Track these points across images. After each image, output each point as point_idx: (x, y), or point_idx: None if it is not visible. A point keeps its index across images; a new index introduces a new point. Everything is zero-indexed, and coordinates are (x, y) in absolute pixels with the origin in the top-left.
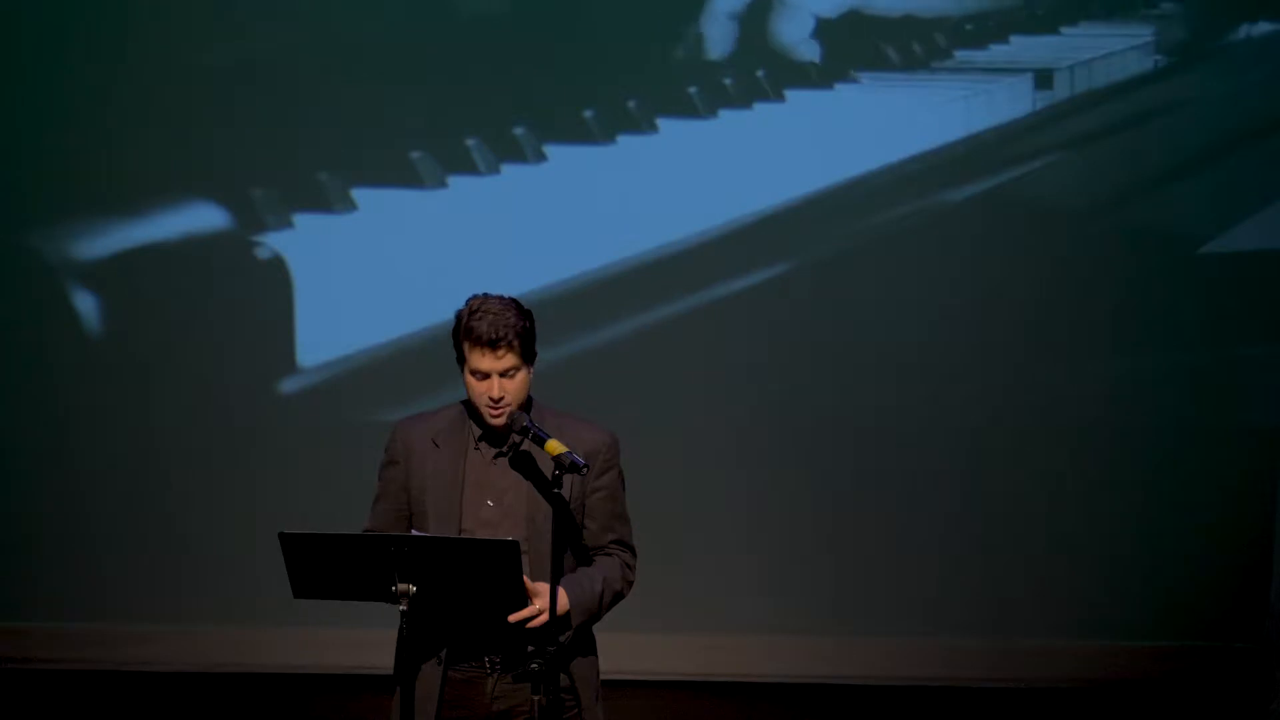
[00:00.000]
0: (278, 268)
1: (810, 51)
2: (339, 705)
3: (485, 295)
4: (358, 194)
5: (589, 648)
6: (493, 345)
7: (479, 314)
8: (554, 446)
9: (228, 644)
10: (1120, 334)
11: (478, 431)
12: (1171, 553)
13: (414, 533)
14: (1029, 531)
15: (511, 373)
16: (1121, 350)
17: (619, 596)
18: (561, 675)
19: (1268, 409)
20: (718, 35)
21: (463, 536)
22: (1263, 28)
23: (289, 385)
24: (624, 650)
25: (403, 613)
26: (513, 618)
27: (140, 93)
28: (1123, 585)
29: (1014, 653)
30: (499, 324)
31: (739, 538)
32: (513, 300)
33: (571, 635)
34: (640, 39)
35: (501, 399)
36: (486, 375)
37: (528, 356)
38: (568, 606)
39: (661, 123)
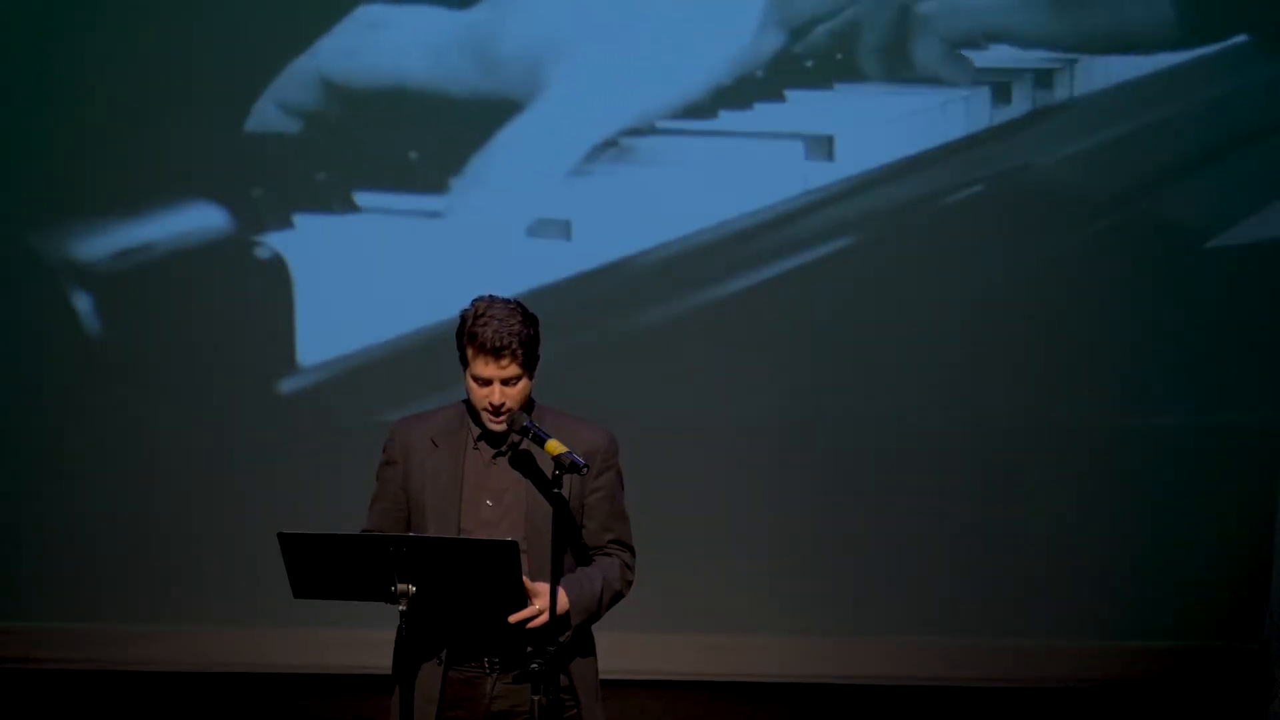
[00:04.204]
0: (278, 268)
1: (810, 51)
2: (339, 705)
3: (491, 299)
4: (357, 194)
5: (588, 648)
6: (496, 354)
7: (484, 320)
8: (554, 446)
9: (228, 644)
10: (1120, 333)
11: (476, 431)
12: (1172, 553)
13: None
14: (1029, 531)
15: (513, 381)
16: (1121, 349)
17: (618, 596)
18: (561, 675)
19: (1268, 409)
20: (719, 35)
21: (462, 537)
22: (1264, 27)
23: (289, 385)
24: (624, 650)
25: (402, 613)
26: (513, 618)
27: (140, 93)
28: (1123, 585)
29: (1014, 653)
30: (503, 332)
31: (739, 537)
32: (518, 306)
33: (571, 635)
34: (640, 39)
35: (502, 406)
36: (488, 382)
37: (530, 365)
38: (567, 606)
39: (662, 123)
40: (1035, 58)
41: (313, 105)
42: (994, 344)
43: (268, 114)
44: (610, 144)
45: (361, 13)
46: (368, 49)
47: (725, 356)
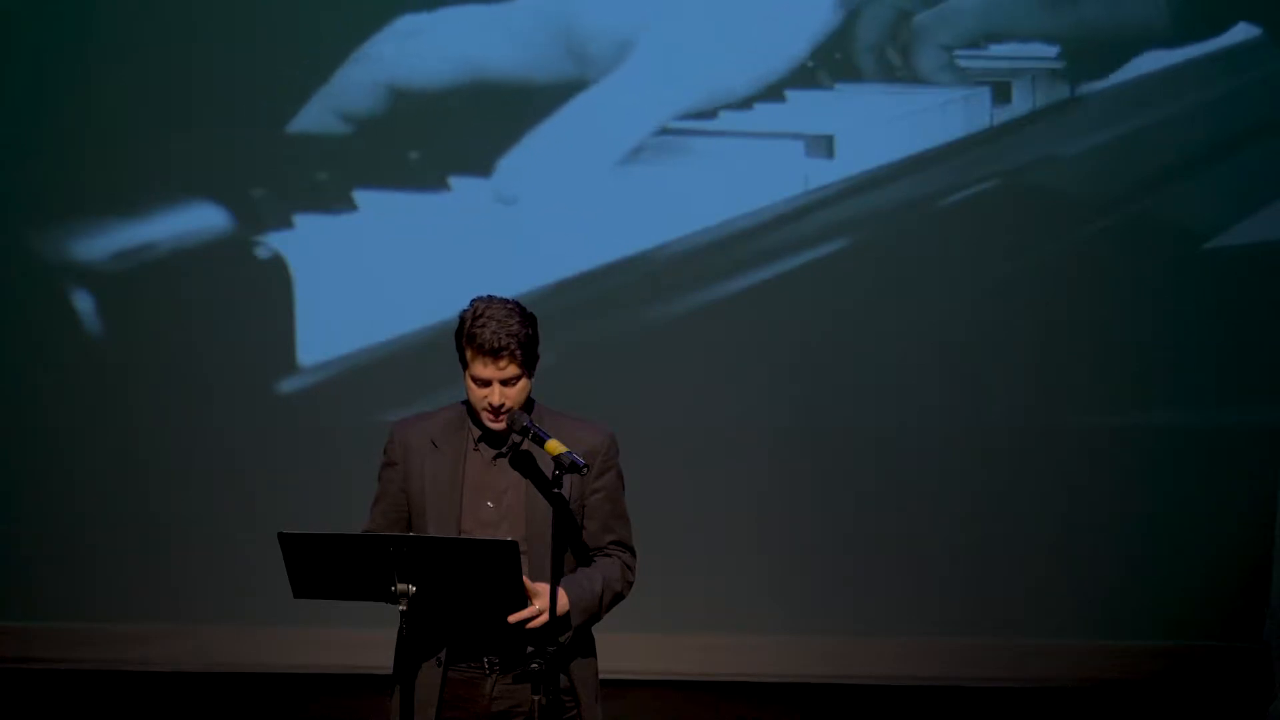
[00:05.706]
0: (278, 268)
1: (809, 51)
2: (339, 705)
3: (490, 299)
4: (357, 194)
5: (588, 648)
6: (494, 355)
7: (482, 320)
8: (554, 446)
9: (228, 644)
10: (1121, 333)
11: (477, 432)
12: (1171, 553)
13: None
14: (1030, 531)
15: (512, 382)
16: (1121, 349)
17: (619, 597)
18: (561, 676)
19: (1268, 409)
20: (718, 35)
21: (462, 537)
22: (1262, 24)
23: (289, 385)
24: (624, 650)
25: (402, 613)
26: (513, 618)
27: (141, 93)
28: (1123, 585)
29: (1014, 653)
30: (502, 333)
31: (740, 537)
32: (516, 306)
33: (571, 636)
34: (640, 39)
35: (501, 406)
36: (488, 383)
37: (529, 365)
38: (568, 607)
39: (661, 123)
40: (1035, 58)
41: (313, 105)
42: (994, 344)
43: (267, 114)
44: (610, 144)
45: (354, 14)
46: (368, 51)
47: (726, 356)
